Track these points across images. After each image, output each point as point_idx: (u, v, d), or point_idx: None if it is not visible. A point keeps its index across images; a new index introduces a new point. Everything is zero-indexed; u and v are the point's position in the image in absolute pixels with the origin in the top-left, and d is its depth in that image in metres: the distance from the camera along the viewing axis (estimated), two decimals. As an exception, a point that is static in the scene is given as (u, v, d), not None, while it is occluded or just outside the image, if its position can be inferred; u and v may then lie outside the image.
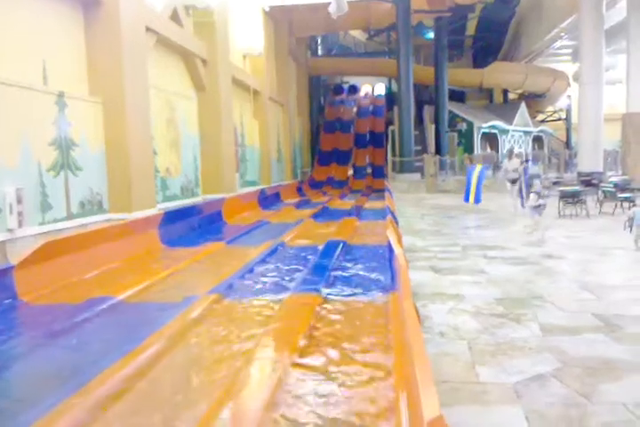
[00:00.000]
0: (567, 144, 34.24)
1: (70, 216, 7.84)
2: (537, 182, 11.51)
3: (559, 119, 36.69)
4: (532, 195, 10.89)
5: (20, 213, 6.49)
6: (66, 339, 3.98)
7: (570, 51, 32.06)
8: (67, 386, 2.96)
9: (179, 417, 2.74)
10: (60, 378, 3.20)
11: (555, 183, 18.66)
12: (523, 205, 13.10)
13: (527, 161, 15.80)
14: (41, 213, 7.23)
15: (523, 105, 29.34)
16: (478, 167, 15.30)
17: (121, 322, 4.46)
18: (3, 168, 6.52)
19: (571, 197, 13.02)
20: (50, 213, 7.41)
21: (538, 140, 31.51)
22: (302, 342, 3.73)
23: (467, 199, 15.12)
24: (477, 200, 14.75)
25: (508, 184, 14.64)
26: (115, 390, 2.98)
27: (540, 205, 10.42)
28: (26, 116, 7.04)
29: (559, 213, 12.88)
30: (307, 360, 3.43)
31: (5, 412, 2.81)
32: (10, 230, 6.50)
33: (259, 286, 5.45)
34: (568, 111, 34.92)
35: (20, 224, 6.58)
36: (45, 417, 2.61)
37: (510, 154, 15.64)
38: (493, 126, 27.27)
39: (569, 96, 33.70)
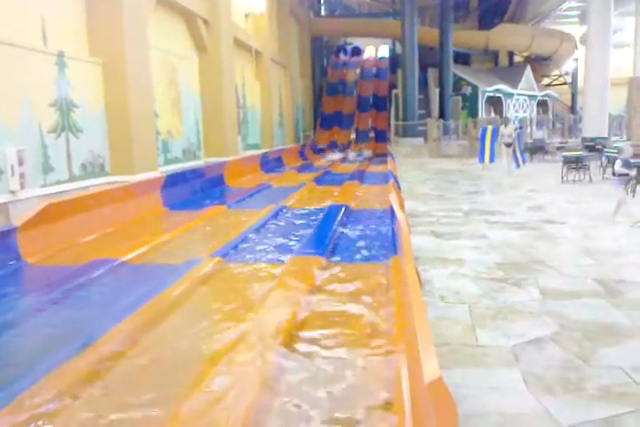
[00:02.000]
0: (572, 109, 33.82)
1: (72, 178, 7.82)
2: (627, 148, 9.90)
3: (565, 83, 36.14)
4: (617, 161, 9.70)
5: (21, 175, 6.47)
6: (71, 299, 4.03)
7: (577, 13, 31.36)
8: (73, 345, 3.01)
9: (190, 366, 2.79)
10: (66, 337, 3.24)
11: (559, 148, 18.55)
12: (518, 165, 15.27)
13: (521, 127, 18.16)
14: (43, 175, 7.21)
15: (528, 68, 28.82)
16: (490, 128, 16.43)
17: (125, 283, 4.49)
18: (3, 129, 6.47)
19: (574, 163, 12.96)
20: (51, 175, 7.39)
21: (543, 105, 31.10)
22: (303, 302, 3.78)
23: (482, 160, 16.37)
24: (492, 159, 16.13)
25: (504, 148, 15.98)
26: (121, 348, 3.03)
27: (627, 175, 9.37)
28: (26, 77, 6.94)
29: (562, 178, 12.84)
30: (307, 320, 3.48)
31: (14, 370, 2.85)
32: (12, 192, 6.50)
33: (261, 249, 5.47)
34: (574, 75, 34.37)
35: (22, 186, 6.57)
36: (52, 374, 2.66)
37: (506, 120, 17.39)
38: (498, 90, 26.88)
39: (575, 59, 33.12)
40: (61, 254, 5.31)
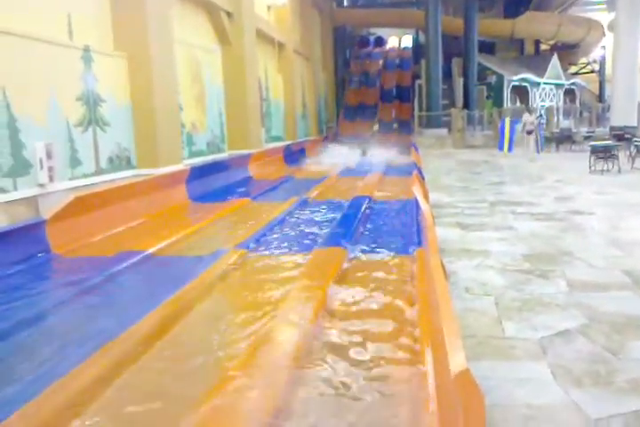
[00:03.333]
0: (600, 97, 33.20)
1: (99, 171, 7.92)
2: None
3: (592, 71, 35.47)
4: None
5: (50, 169, 6.57)
6: (99, 290, 4.10)
7: (605, -1, 30.71)
8: (101, 335, 3.06)
9: (218, 357, 2.83)
10: (95, 328, 3.30)
11: (586, 138, 18.25)
12: (538, 151, 17.05)
13: (541, 116, 19.67)
14: (70, 169, 7.31)
15: (555, 57, 28.30)
16: (507, 121, 17.62)
17: (152, 274, 4.56)
18: (32, 123, 6.57)
19: (602, 152, 12.72)
20: (79, 168, 7.49)
21: (570, 94, 30.54)
22: (327, 293, 3.79)
23: (501, 148, 17.76)
24: (510, 149, 17.38)
25: (526, 135, 17.61)
26: (150, 338, 3.08)
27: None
28: (52, 72, 7.03)
29: (590, 168, 12.63)
30: (332, 313, 3.49)
31: (45, 359, 2.92)
32: (41, 185, 6.60)
33: (285, 241, 5.50)
34: (602, 63, 33.71)
35: (51, 179, 6.66)
36: (84, 362, 2.72)
37: (529, 109, 19.18)
38: (524, 79, 26.47)
39: (603, 47, 32.46)
40: (89, 246, 5.40)
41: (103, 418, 2.39)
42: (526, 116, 17.78)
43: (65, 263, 4.91)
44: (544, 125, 17.95)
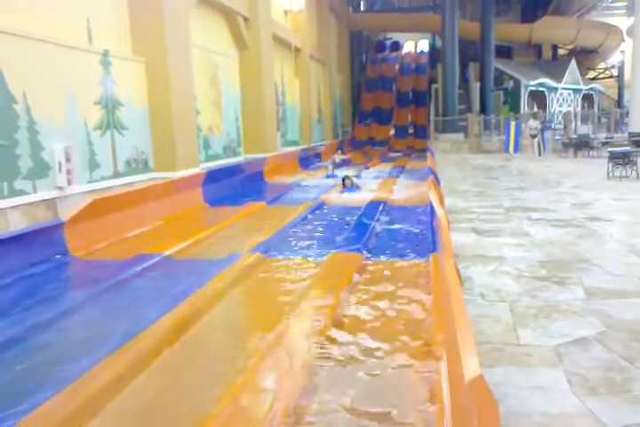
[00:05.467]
0: (618, 103, 32.91)
1: (117, 175, 8.01)
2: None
3: (611, 77, 35.18)
4: None
5: (69, 171, 6.65)
6: (115, 292, 4.13)
7: (624, 4, 30.41)
8: (118, 338, 3.09)
9: (234, 358, 2.84)
10: (112, 329, 3.33)
11: (604, 144, 18.09)
12: (540, 154, 18.68)
13: (544, 122, 20.71)
14: (89, 172, 7.40)
15: (573, 62, 28.11)
16: (513, 123, 18.87)
17: (168, 278, 4.58)
18: (51, 127, 6.66)
19: (621, 158, 12.60)
20: (97, 171, 7.58)
21: (588, 99, 30.32)
22: (341, 298, 3.79)
23: (507, 150, 18.90)
24: (516, 150, 18.65)
25: (530, 138, 19.13)
26: (165, 340, 3.10)
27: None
28: (72, 76, 7.13)
29: (608, 174, 12.52)
30: (347, 318, 3.49)
31: (62, 359, 2.95)
32: (59, 188, 6.69)
33: (300, 245, 5.51)
34: (620, 68, 33.43)
35: (70, 182, 6.75)
36: (101, 363, 2.75)
37: (534, 115, 20.07)
38: (541, 84, 26.32)
39: (622, 52, 32.19)
40: (107, 249, 5.45)
41: (119, 418, 2.41)
42: (530, 122, 19.24)
43: (82, 266, 4.96)
44: (551, 130, 19.96)
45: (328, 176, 11.94)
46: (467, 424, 1.84)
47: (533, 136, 18.82)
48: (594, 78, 34.75)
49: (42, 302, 3.89)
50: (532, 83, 25.89)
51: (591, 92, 30.37)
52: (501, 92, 26.08)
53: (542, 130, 18.91)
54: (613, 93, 34.08)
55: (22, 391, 2.58)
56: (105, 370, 2.71)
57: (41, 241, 4.88)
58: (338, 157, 14.75)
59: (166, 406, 2.52)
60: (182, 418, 2.41)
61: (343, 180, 9.63)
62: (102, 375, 2.65)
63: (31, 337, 3.29)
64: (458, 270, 3.55)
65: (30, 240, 4.74)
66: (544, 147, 18.92)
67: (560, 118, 25.93)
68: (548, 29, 27.96)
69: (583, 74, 30.83)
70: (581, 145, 18.64)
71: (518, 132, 18.66)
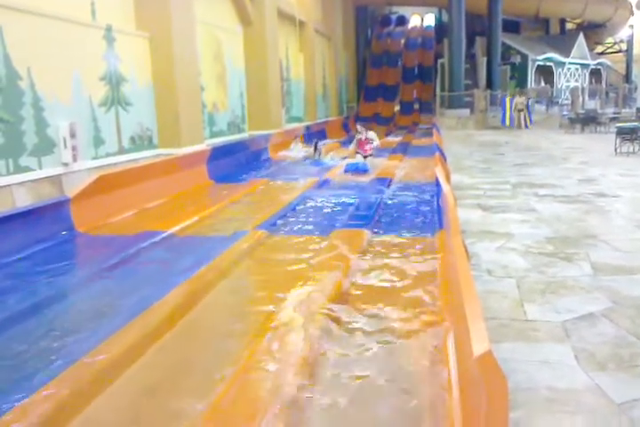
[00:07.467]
0: (627, 78, 32.41)
1: (122, 151, 7.97)
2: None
3: (619, 51, 34.60)
4: None
5: (73, 148, 6.62)
6: (122, 268, 4.14)
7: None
8: (124, 313, 3.10)
9: (239, 334, 2.85)
10: (118, 305, 3.35)
11: (612, 119, 17.91)
12: (527, 126, 20.88)
13: (529, 98, 22.17)
14: (94, 148, 7.36)
15: (581, 36, 27.66)
16: (508, 98, 20.69)
17: (173, 254, 4.58)
18: (55, 103, 6.61)
19: (628, 134, 12.48)
20: (102, 147, 7.54)
21: (595, 74, 29.91)
22: (347, 275, 3.79)
23: (503, 123, 20.66)
24: (512, 123, 20.62)
25: (516, 113, 20.81)
26: (171, 316, 3.11)
27: None
28: (76, 51, 7.05)
29: (615, 150, 12.41)
30: (358, 291, 3.50)
31: (69, 335, 2.97)
32: (65, 164, 6.67)
33: (305, 222, 5.49)
34: (629, 42, 32.84)
35: (75, 158, 6.73)
36: (108, 338, 2.76)
37: (520, 92, 22.09)
38: (549, 59, 25.95)
39: (631, 26, 31.61)
40: (112, 225, 5.45)
41: (126, 395, 2.43)
42: (517, 98, 21.08)
43: (88, 241, 4.96)
44: (530, 105, 21.64)
45: (315, 163, 10.19)
46: (476, 399, 1.84)
47: (520, 110, 20.95)
48: (602, 53, 34.22)
49: (47, 278, 3.89)
50: (540, 57, 25.52)
51: (599, 66, 29.95)
52: (508, 67, 25.71)
53: (527, 105, 21.18)
54: (621, 68, 33.54)
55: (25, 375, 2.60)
56: (111, 346, 2.71)
57: (47, 217, 4.88)
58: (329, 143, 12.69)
59: (174, 382, 2.53)
60: (189, 394, 2.43)
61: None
62: (106, 351, 2.65)
63: (37, 312, 3.30)
64: (465, 246, 3.53)
65: (36, 217, 4.74)
66: (530, 120, 21.13)
67: (567, 93, 25.62)
68: (556, 3, 27.44)
69: (591, 49, 30.36)
70: (589, 120, 18.46)
71: (512, 107, 20.87)
